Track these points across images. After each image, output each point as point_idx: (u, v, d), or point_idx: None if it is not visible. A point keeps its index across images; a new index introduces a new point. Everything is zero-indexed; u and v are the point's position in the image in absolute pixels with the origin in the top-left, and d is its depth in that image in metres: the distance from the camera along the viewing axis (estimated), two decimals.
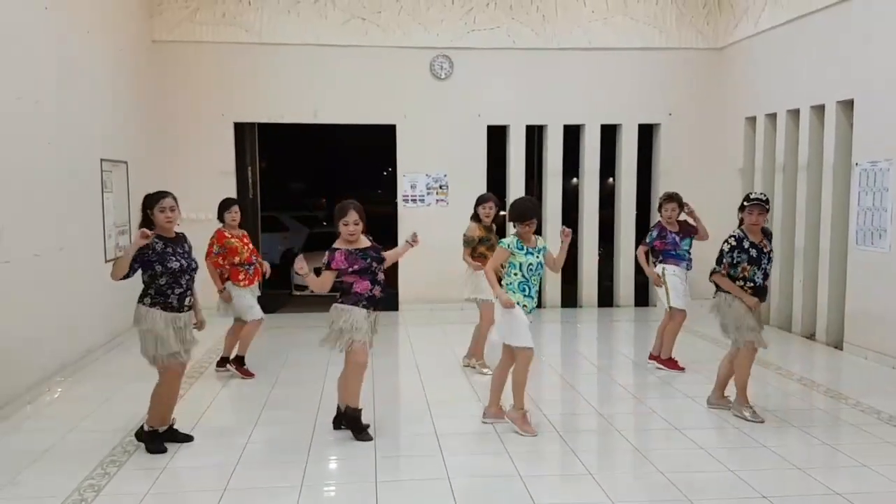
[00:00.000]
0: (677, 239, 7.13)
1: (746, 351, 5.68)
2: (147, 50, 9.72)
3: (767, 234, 5.73)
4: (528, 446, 5.14)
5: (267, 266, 7.14)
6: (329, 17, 10.25)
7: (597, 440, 5.49)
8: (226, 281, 6.81)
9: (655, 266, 7.20)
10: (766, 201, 5.63)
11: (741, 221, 5.69)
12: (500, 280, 5.47)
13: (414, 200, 10.69)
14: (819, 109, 8.63)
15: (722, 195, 10.18)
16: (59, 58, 7.03)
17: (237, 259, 6.80)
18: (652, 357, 7.39)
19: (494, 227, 7.10)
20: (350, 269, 5.07)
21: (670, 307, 7.14)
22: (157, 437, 5.04)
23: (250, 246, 6.99)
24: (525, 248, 5.34)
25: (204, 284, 5.48)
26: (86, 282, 7.39)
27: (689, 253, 7.21)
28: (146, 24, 9.75)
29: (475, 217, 7.03)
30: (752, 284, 5.59)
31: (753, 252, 5.57)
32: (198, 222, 8.73)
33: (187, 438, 5.20)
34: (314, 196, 23.57)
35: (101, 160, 7.98)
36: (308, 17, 10.22)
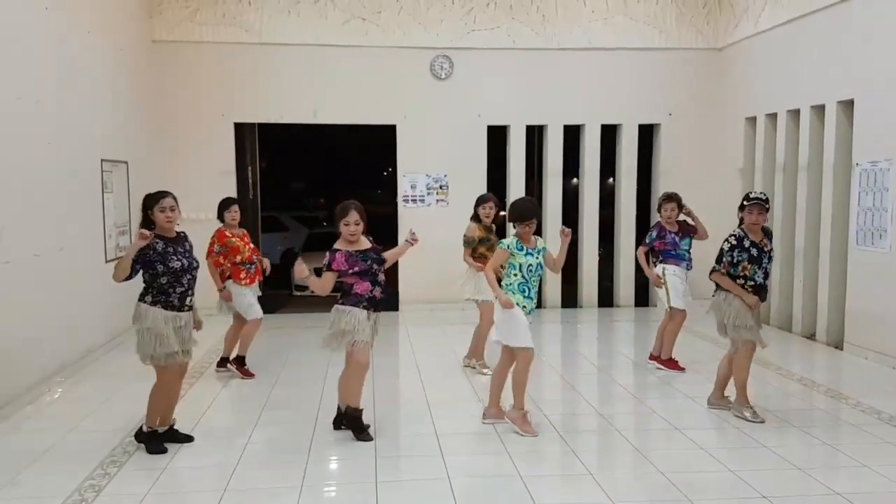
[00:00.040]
0: (677, 239, 7.13)
1: (745, 351, 5.68)
2: (147, 50, 9.72)
3: (768, 234, 5.73)
4: (528, 446, 5.14)
5: (267, 263, 7.15)
6: (329, 17, 10.25)
7: (597, 440, 5.49)
8: (226, 280, 6.82)
9: (655, 266, 7.20)
10: (766, 200, 5.63)
11: (741, 221, 5.69)
12: (499, 281, 5.47)
13: (414, 201, 10.69)
14: (819, 109, 8.63)
15: (722, 195, 10.18)
16: (59, 58, 7.03)
17: (239, 258, 6.81)
18: (652, 357, 7.39)
19: (494, 227, 7.10)
20: (350, 271, 5.07)
21: (670, 307, 7.14)
22: (158, 438, 5.04)
23: (251, 245, 7.01)
24: (525, 248, 5.33)
25: (203, 284, 5.48)
26: (86, 282, 7.39)
27: (689, 253, 7.21)
28: (146, 24, 9.75)
29: (475, 217, 7.03)
30: (752, 283, 5.59)
31: (754, 251, 5.57)
32: (198, 222, 8.72)
33: (188, 439, 5.20)
34: (314, 196, 23.57)
35: (102, 160, 7.98)
36: (308, 18, 10.22)
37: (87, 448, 5.07)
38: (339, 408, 5.45)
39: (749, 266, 5.57)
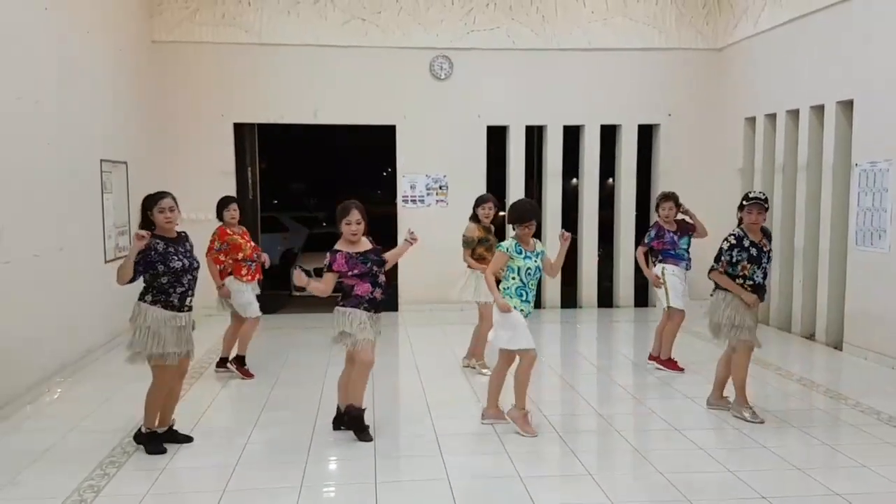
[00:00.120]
0: (675, 238, 7.13)
1: (743, 351, 5.68)
2: (147, 50, 9.72)
3: (767, 234, 5.74)
4: (527, 447, 5.14)
5: (266, 257, 7.15)
6: (329, 17, 10.25)
7: (596, 441, 5.49)
8: (226, 277, 6.83)
9: (655, 266, 7.20)
10: (765, 200, 5.64)
11: (740, 221, 5.69)
12: (498, 283, 5.47)
13: (414, 201, 10.69)
14: (819, 110, 8.64)
15: (721, 195, 10.18)
16: (59, 58, 7.04)
17: (240, 255, 6.85)
18: (651, 358, 7.39)
19: (493, 227, 7.10)
20: (350, 273, 5.08)
21: (669, 307, 7.14)
22: (157, 438, 5.04)
23: (251, 242, 7.04)
24: (523, 251, 5.33)
25: (203, 284, 5.48)
26: (86, 282, 7.39)
27: (688, 252, 7.22)
28: (146, 25, 9.75)
29: (474, 218, 7.03)
30: (751, 283, 5.60)
31: (753, 251, 5.57)
32: (198, 222, 8.72)
33: (187, 439, 5.20)
34: (314, 196, 23.59)
35: (101, 160, 7.98)
36: (308, 18, 10.23)
37: (86, 448, 5.07)
38: (338, 408, 5.45)
39: (748, 266, 5.57)
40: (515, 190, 10.83)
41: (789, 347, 8.53)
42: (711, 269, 5.69)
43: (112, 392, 6.51)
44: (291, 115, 10.50)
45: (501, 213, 7.42)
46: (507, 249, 5.33)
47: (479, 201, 7.04)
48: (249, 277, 6.92)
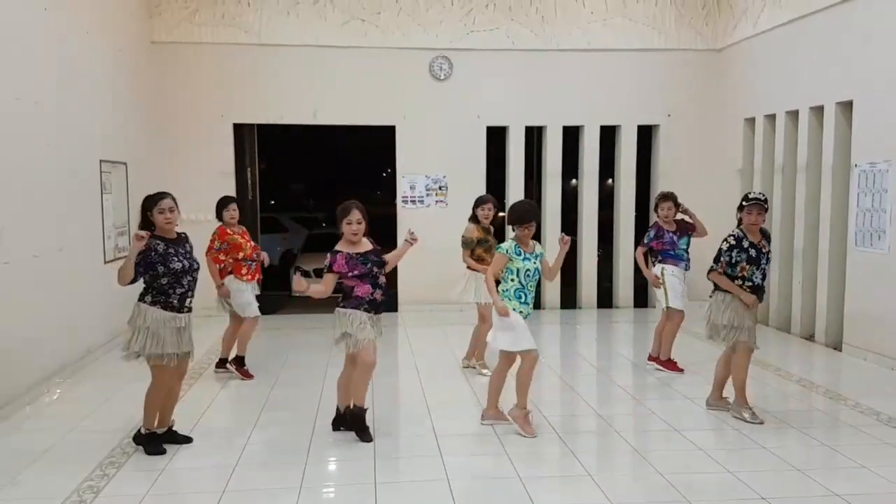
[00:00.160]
0: (675, 238, 7.14)
1: (742, 352, 5.68)
2: (147, 50, 9.72)
3: (766, 235, 5.74)
4: (527, 447, 5.14)
5: (265, 256, 7.16)
6: (328, 18, 10.26)
7: (596, 441, 5.49)
8: (226, 276, 6.83)
9: (654, 266, 7.21)
10: (765, 201, 5.64)
11: (740, 221, 5.69)
12: (498, 284, 5.47)
13: (413, 202, 10.69)
14: (818, 110, 8.64)
15: (721, 196, 10.18)
16: (58, 58, 7.04)
17: (241, 254, 6.86)
18: (651, 358, 7.39)
19: (493, 228, 7.10)
20: (350, 274, 5.08)
21: (668, 307, 7.14)
22: (156, 439, 5.03)
23: (251, 242, 7.05)
24: (523, 253, 5.34)
25: (203, 284, 5.47)
26: (86, 282, 7.39)
27: (688, 252, 7.22)
28: (146, 25, 9.75)
29: (473, 218, 7.03)
30: (749, 284, 5.60)
31: (752, 252, 5.57)
32: (197, 223, 8.72)
33: (186, 440, 5.20)
34: (313, 197, 23.60)
35: (101, 161, 7.98)
36: (307, 18, 10.23)
37: (86, 449, 5.07)
38: (337, 409, 5.45)
39: (747, 267, 5.58)
40: (515, 190, 10.83)
41: (789, 348, 8.53)
42: (711, 270, 5.69)
43: (112, 392, 6.50)
44: (291, 116, 10.50)
45: (501, 214, 7.42)
46: (507, 251, 5.34)
47: (479, 202, 7.04)
48: (249, 277, 6.92)
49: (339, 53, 10.29)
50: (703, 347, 8.00)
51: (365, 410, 5.30)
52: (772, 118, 9.57)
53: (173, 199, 4.96)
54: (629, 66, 10.74)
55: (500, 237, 7.63)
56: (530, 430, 5.34)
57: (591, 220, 11.06)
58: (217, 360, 7.16)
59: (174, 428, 5.20)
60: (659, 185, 10.72)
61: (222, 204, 6.95)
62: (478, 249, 6.91)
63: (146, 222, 4.89)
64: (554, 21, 10.58)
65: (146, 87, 9.56)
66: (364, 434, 5.23)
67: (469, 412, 5.88)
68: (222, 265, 6.83)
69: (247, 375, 6.95)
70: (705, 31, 10.79)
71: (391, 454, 5.07)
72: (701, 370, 7.05)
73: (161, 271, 4.80)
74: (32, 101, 6.49)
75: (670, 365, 7.21)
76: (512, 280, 5.35)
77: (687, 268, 7.21)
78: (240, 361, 6.99)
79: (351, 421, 5.31)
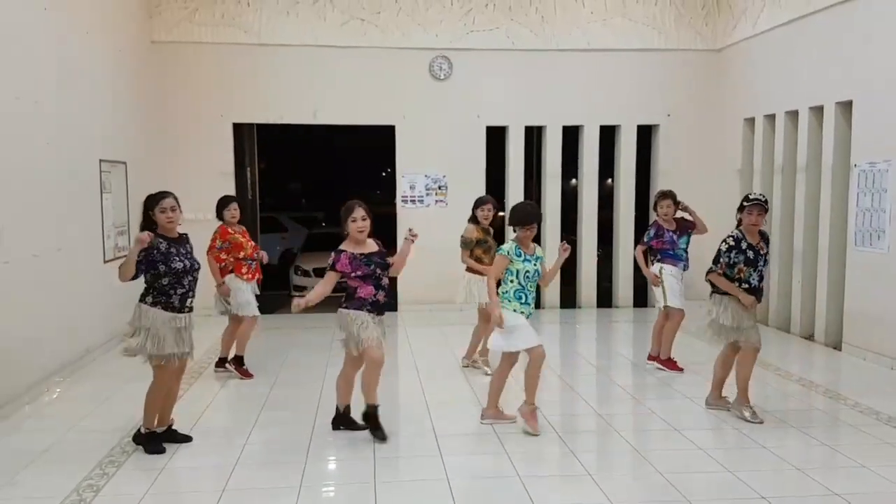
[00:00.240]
0: (675, 237, 7.13)
1: (748, 351, 5.67)
2: (146, 50, 9.72)
3: (765, 237, 5.73)
4: (527, 447, 5.14)
5: (265, 255, 7.17)
6: (328, 17, 10.26)
7: (596, 441, 5.49)
8: (227, 275, 6.84)
9: (652, 265, 7.21)
10: (766, 202, 5.64)
11: (739, 222, 5.69)
12: (498, 285, 5.47)
13: (413, 201, 10.69)
14: (818, 110, 8.64)
15: (721, 196, 10.18)
16: (58, 58, 7.04)
17: (242, 254, 6.87)
18: (651, 358, 7.39)
19: (492, 229, 7.10)
20: (353, 274, 5.07)
21: (666, 306, 7.14)
22: (156, 438, 5.04)
23: (251, 242, 7.07)
24: (523, 254, 5.34)
25: (202, 285, 5.47)
26: (85, 282, 7.39)
27: (687, 252, 7.22)
28: (145, 25, 9.75)
29: (473, 219, 7.03)
30: (746, 286, 5.59)
31: (750, 253, 5.57)
32: (197, 222, 8.71)
33: (186, 439, 5.20)
34: (313, 197, 23.60)
35: (101, 161, 7.98)
36: (307, 18, 10.23)
37: (85, 448, 5.07)
38: (337, 408, 5.45)
39: (744, 268, 5.57)
40: (515, 190, 10.83)
41: (788, 348, 8.53)
42: (710, 271, 5.68)
43: (111, 392, 6.50)
44: (291, 116, 10.50)
45: (501, 214, 7.42)
46: (508, 252, 5.34)
47: (479, 203, 7.04)
48: (249, 276, 6.93)
49: (339, 53, 10.29)
50: (702, 347, 7.99)
51: (377, 408, 5.27)
52: (771, 118, 9.57)
53: (175, 199, 4.96)
54: (629, 66, 10.74)
55: (500, 238, 7.63)
56: (536, 426, 5.34)
57: (591, 219, 11.06)
58: (216, 359, 7.17)
59: (174, 427, 5.20)
60: (658, 185, 10.70)
61: (223, 203, 6.95)
62: (476, 250, 6.92)
63: (148, 221, 4.89)
64: (554, 21, 10.58)
65: (146, 86, 9.56)
66: (378, 432, 5.21)
67: (469, 412, 5.88)
68: (223, 264, 6.85)
69: (246, 375, 6.96)
70: (705, 31, 10.79)
71: (391, 454, 5.07)
72: (701, 370, 7.04)
73: (162, 270, 4.80)
74: (32, 101, 6.49)
75: (670, 364, 7.21)
76: (512, 281, 5.36)
77: (685, 268, 7.20)
78: (238, 361, 6.99)
79: (364, 421, 5.29)
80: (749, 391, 5.76)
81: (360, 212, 5.12)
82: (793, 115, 9.12)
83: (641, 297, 11.20)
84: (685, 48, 10.80)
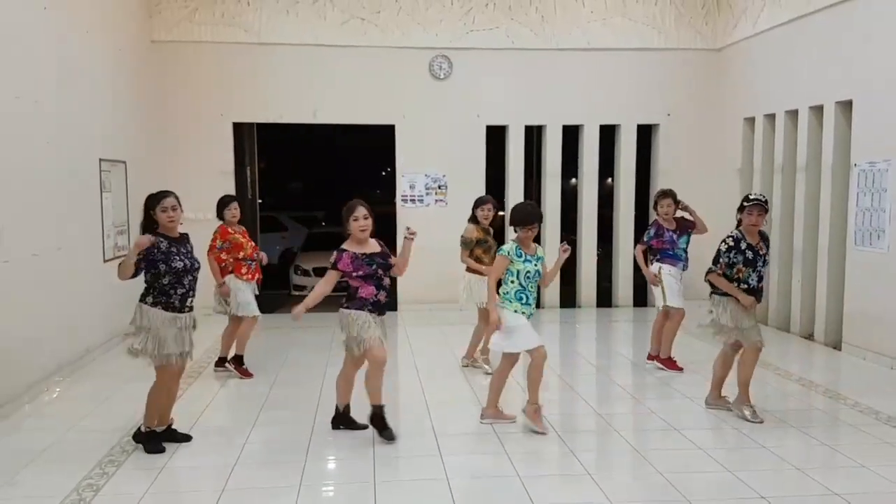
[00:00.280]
0: (675, 237, 7.13)
1: (751, 350, 5.67)
2: (146, 50, 9.72)
3: (764, 238, 5.73)
4: (526, 447, 5.14)
5: (264, 255, 7.18)
6: (328, 17, 10.25)
7: (596, 440, 5.49)
8: (227, 275, 6.84)
9: (652, 264, 7.20)
10: (766, 202, 5.64)
11: (739, 222, 5.69)
12: (499, 286, 5.47)
13: (413, 201, 10.69)
14: (818, 110, 8.64)
15: (720, 196, 10.18)
16: (58, 58, 7.03)
17: (242, 254, 6.87)
18: (651, 357, 7.39)
19: (492, 229, 7.10)
20: (355, 274, 5.07)
21: (665, 306, 7.14)
22: (156, 437, 5.04)
23: (251, 242, 7.07)
24: (524, 255, 5.34)
25: (202, 284, 5.47)
26: (85, 282, 7.39)
27: (686, 252, 7.21)
28: (145, 24, 9.75)
29: (473, 219, 7.03)
30: (745, 286, 5.59)
31: (750, 254, 5.57)
32: (197, 222, 8.71)
33: (186, 438, 5.21)
34: (313, 196, 23.57)
35: (100, 160, 7.98)
36: (307, 18, 10.23)
37: (85, 447, 5.07)
38: (336, 407, 5.46)
39: (743, 269, 5.57)
40: (514, 190, 10.83)
41: (788, 347, 8.54)
42: (709, 272, 5.68)
43: (111, 391, 6.51)
44: (291, 115, 10.50)
45: (501, 214, 7.42)
46: (508, 253, 5.34)
47: (479, 203, 7.05)
48: (249, 276, 6.94)
49: (339, 52, 10.29)
50: (702, 347, 8.00)
51: (383, 408, 5.26)
52: (771, 118, 9.57)
53: (176, 198, 4.97)
54: (629, 66, 10.74)
55: (500, 238, 7.63)
56: (541, 425, 5.34)
57: (591, 219, 11.06)
58: (216, 358, 7.17)
59: (174, 426, 5.20)
60: (658, 185, 10.69)
61: (223, 203, 6.95)
62: (476, 250, 6.92)
63: (149, 220, 4.89)
64: (554, 20, 10.58)
65: (146, 86, 9.56)
66: (386, 432, 5.20)
67: (468, 411, 5.88)
68: (223, 264, 6.85)
69: (246, 374, 6.96)
70: (705, 31, 10.79)
71: (391, 453, 5.06)
72: (700, 369, 7.04)
73: (163, 269, 4.80)
74: (32, 101, 6.49)
75: (670, 364, 7.21)
76: (512, 282, 5.36)
77: (685, 268, 7.20)
78: (238, 360, 7.00)
79: (371, 423, 5.28)
80: (749, 391, 5.76)
81: (361, 211, 5.12)
82: (793, 115, 9.12)
83: (641, 297, 11.20)
84: (685, 48, 10.80)
